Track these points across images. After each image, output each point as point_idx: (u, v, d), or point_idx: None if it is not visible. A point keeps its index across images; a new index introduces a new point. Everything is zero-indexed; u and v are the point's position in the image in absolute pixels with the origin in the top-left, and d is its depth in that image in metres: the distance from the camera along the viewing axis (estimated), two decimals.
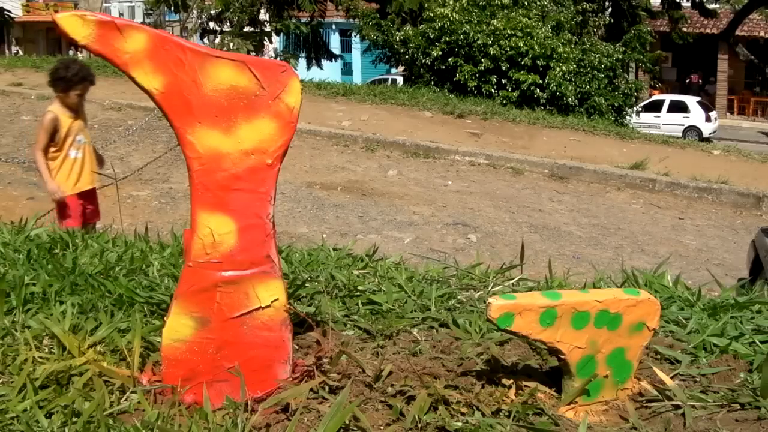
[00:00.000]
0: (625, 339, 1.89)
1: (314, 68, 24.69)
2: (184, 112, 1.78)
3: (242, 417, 1.74)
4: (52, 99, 4.94)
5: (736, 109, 31.35)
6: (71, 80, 4.79)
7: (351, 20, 21.72)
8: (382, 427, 1.75)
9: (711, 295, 2.88)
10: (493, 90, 15.84)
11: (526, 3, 16.53)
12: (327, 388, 1.88)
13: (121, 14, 36.32)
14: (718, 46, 28.96)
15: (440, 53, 16.11)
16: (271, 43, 24.62)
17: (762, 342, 2.25)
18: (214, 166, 1.81)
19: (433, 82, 16.60)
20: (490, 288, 2.74)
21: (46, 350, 2.01)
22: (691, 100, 25.87)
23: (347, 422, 1.70)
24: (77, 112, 4.96)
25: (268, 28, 23.42)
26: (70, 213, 4.85)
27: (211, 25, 24.03)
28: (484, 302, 2.40)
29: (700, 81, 32.12)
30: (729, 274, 6.85)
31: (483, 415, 1.78)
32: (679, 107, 25.43)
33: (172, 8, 23.48)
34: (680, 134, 22.60)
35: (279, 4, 22.54)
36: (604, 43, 17.14)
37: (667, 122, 24.73)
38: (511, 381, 1.92)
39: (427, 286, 2.68)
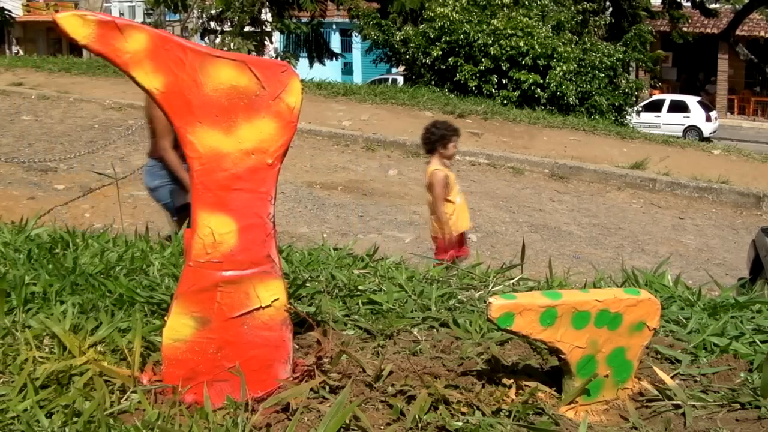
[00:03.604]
0: (626, 339, 1.90)
1: (317, 65, 24.67)
2: (185, 111, 1.78)
3: (243, 417, 1.74)
4: (430, 159, 5.26)
5: (737, 109, 31.32)
6: (446, 136, 5.19)
7: (352, 20, 21.72)
8: (382, 427, 1.75)
9: (711, 295, 2.89)
10: (493, 90, 15.84)
11: (526, 3, 16.53)
12: (327, 387, 1.88)
13: (121, 14, 36.32)
14: (719, 45, 28.94)
15: (441, 53, 16.10)
16: (271, 42, 24.61)
17: (762, 342, 2.25)
18: (215, 166, 1.81)
19: (433, 82, 16.59)
20: (490, 288, 2.74)
21: (47, 350, 2.01)
22: (692, 100, 25.85)
23: (348, 422, 1.70)
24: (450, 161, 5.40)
25: (268, 28, 23.41)
26: (447, 248, 5.18)
27: (212, 24, 24.01)
28: (485, 302, 2.40)
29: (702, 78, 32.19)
30: (729, 274, 6.85)
31: (483, 414, 1.78)
32: (679, 107, 25.41)
33: (172, 8, 23.46)
34: (680, 134, 22.59)
35: (280, 4, 22.53)
36: (605, 43, 17.14)
37: (668, 122, 24.70)
38: (512, 381, 1.92)
39: (428, 286, 2.68)
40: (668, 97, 26.05)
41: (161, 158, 4.77)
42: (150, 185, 4.94)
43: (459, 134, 5.33)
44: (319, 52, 25.12)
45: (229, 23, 22.95)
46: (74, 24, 1.69)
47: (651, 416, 1.87)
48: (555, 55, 15.63)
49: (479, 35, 15.69)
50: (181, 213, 4.86)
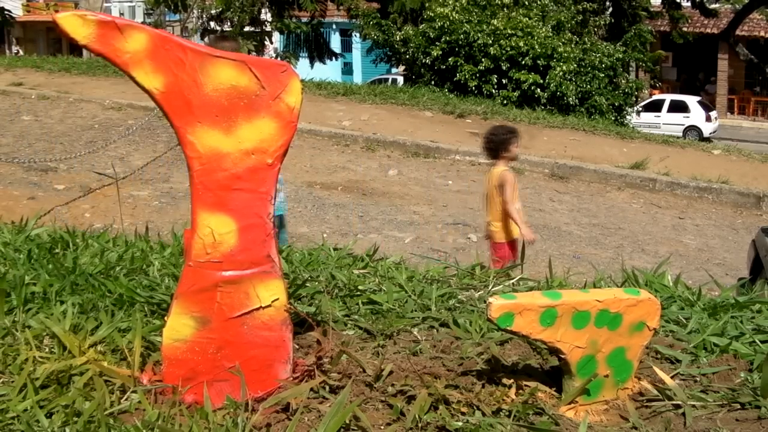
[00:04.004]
0: (626, 339, 1.90)
1: (317, 65, 24.65)
2: (185, 111, 1.78)
3: (243, 416, 1.74)
4: (496, 163, 5.32)
5: (737, 109, 31.31)
6: (506, 140, 5.26)
7: (352, 20, 21.72)
8: (382, 427, 1.75)
9: (711, 295, 2.89)
10: (493, 90, 15.83)
11: (526, 3, 16.52)
12: (327, 387, 1.88)
13: (121, 14, 36.33)
14: (719, 45, 28.93)
15: (440, 53, 16.09)
16: (271, 42, 24.61)
17: (762, 341, 2.25)
18: (215, 166, 1.81)
19: (433, 82, 16.58)
20: (490, 288, 2.74)
21: (47, 350, 2.01)
22: (692, 100, 25.84)
23: (348, 422, 1.70)
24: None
25: (268, 28, 23.41)
26: (504, 255, 5.27)
27: (212, 24, 24.01)
28: (485, 302, 2.40)
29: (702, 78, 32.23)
30: (729, 274, 6.85)
31: (483, 414, 1.78)
32: (679, 107, 25.40)
33: (172, 8, 23.46)
34: (680, 134, 22.59)
35: (280, 4, 22.53)
36: (605, 43, 17.12)
37: (668, 122, 24.69)
38: (512, 380, 1.92)
39: (428, 286, 2.68)
40: (668, 97, 26.04)
41: None
42: None
43: (518, 134, 5.40)
44: (319, 52, 25.13)
45: (229, 23, 22.94)
46: (74, 24, 1.69)
47: (651, 416, 1.87)
48: (555, 55, 15.62)
49: (479, 35, 15.68)
50: None
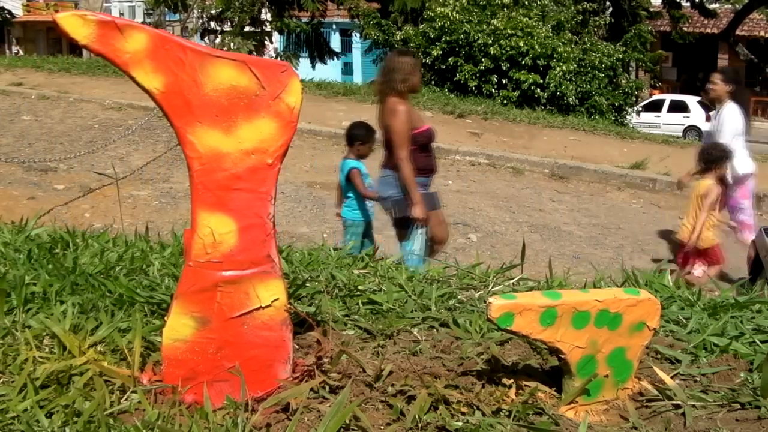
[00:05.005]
0: (626, 339, 1.90)
1: (318, 65, 24.65)
2: (185, 111, 1.78)
3: (243, 417, 1.74)
4: (705, 176, 5.85)
5: None
6: (723, 158, 5.88)
7: (352, 20, 21.72)
8: (382, 427, 1.75)
9: (711, 295, 2.89)
10: (493, 90, 15.83)
11: (526, 3, 16.53)
12: (327, 387, 1.88)
13: (121, 14, 36.33)
14: (719, 45, 28.93)
15: (440, 53, 16.10)
16: (271, 42, 24.61)
17: (762, 341, 2.25)
18: (215, 166, 1.81)
19: (433, 82, 16.58)
20: (490, 288, 2.74)
21: (47, 350, 2.01)
22: (692, 100, 25.84)
23: (348, 422, 1.70)
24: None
25: (268, 28, 23.42)
26: (717, 259, 5.93)
27: (212, 24, 24.01)
28: (485, 302, 2.40)
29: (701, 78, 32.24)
30: (729, 274, 6.84)
31: (483, 414, 1.78)
32: (679, 107, 25.40)
33: (172, 8, 23.46)
34: (680, 134, 22.59)
35: (280, 4, 22.53)
36: (605, 43, 17.13)
37: (668, 122, 24.69)
38: (512, 380, 1.92)
39: (428, 286, 2.68)
40: (668, 97, 26.03)
41: (396, 168, 4.85)
42: (384, 195, 5.02)
43: (732, 157, 6.02)
44: (320, 51, 25.15)
45: (229, 23, 22.94)
46: (74, 24, 1.69)
47: (651, 416, 1.87)
48: (555, 55, 15.62)
49: (479, 35, 15.69)
50: (400, 227, 4.94)
